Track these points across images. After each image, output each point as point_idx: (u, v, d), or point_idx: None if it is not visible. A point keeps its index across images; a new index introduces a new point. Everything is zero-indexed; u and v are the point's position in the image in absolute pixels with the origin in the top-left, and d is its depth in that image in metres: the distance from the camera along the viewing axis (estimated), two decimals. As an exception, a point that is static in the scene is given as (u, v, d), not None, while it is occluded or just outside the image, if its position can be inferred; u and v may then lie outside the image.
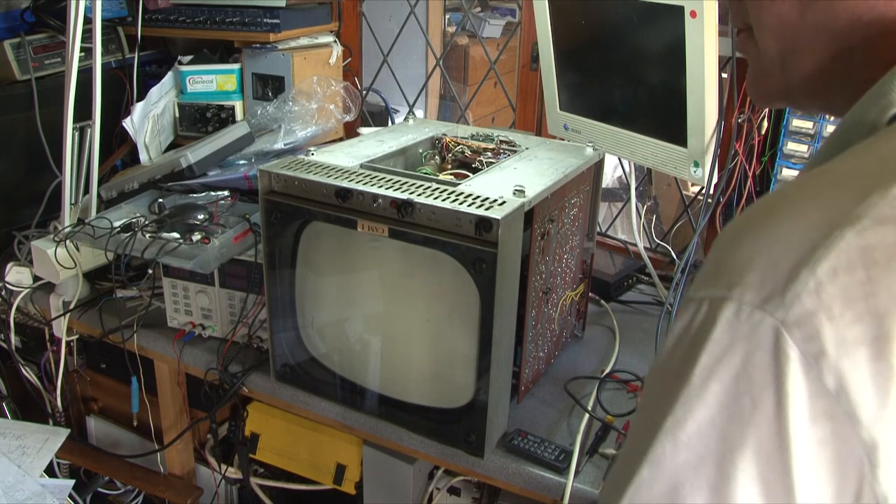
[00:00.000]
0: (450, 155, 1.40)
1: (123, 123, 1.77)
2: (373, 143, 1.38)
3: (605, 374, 1.37)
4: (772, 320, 0.40)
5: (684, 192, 1.87)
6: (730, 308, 0.41)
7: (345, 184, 1.13)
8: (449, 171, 1.34)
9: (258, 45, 1.84)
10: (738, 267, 0.42)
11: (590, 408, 1.27)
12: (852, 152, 0.47)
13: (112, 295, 1.63)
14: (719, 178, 1.45)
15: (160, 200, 1.58)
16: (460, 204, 1.05)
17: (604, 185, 1.60)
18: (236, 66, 1.89)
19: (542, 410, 1.28)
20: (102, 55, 1.62)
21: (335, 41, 1.99)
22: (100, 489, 1.86)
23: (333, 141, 1.81)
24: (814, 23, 0.52)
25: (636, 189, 1.70)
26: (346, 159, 1.26)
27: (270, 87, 1.87)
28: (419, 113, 2.36)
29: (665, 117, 1.39)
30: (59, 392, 1.72)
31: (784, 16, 0.53)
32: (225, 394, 1.42)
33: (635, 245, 1.71)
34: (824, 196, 0.43)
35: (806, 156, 1.52)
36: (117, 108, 1.91)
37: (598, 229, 1.50)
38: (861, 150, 0.47)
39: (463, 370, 1.14)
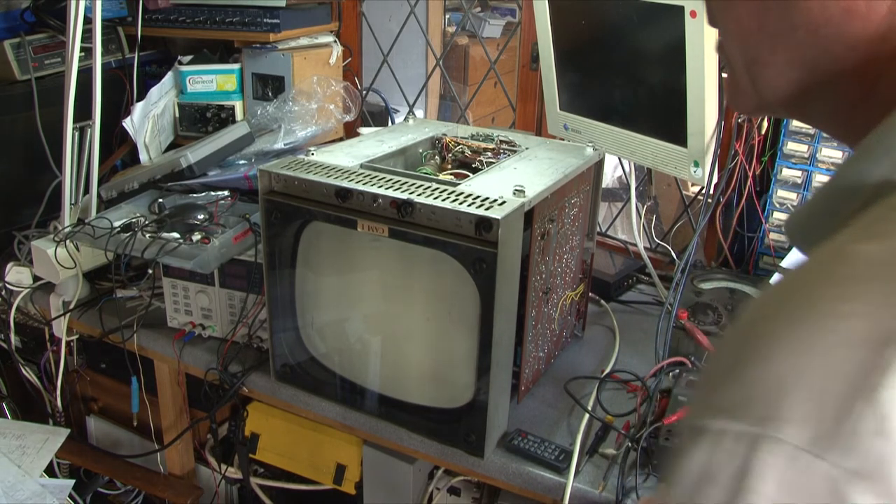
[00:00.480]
0: (450, 155, 1.40)
1: (123, 123, 1.77)
2: (373, 143, 1.38)
3: (605, 374, 1.37)
4: (828, 468, 0.32)
5: (684, 192, 1.87)
6: (773, 450, 0.33)
7: (345, 184, 1.13)
8: (449, 171, 1.34)
9: (258, 45, 1.84)
10: (767, 392, 0.34)
11: (590, 408, 1.27)
12: (869, 225, 0.39)
13: (112, 295, 1.63)
14: (719, 178, 1.45)
15: (160, 200, 1.58)
16: (460, 204, 1.05)
17: (604, 185, 1.60)
18: (236, 66, 1.89)
19: (542, 410, 1.28)
20: (102, 55, 1.62)
21: (335, 41, 1.99)
22: (100, 489, 1.86)
23: (333, 141, 1.81)
24: (772, 32, 0.46)
25: (636, 189, 1.70)
26: (346, 159, 1.26)
27: (270, 87, 1.87)
28: (419, 113, 2.36)
29: (665, 117, 1.39)
30: (59, 392, 1.72)
31: (742, 22, 0.48)
32: (225, 394, 1.42)
33: (635, 245, 1.71)
34: (858, 295, 0.35)
35: (806, 156, 1.52)
36: (117, 108, 1.91)
37: (598, 229, 1.50)
38: (882, 223, 0.38)
39: (463, 370, 1.14)
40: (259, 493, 1.73)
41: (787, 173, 1.55)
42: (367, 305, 1.25)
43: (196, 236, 1.40)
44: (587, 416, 1.24)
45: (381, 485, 1.52)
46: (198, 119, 1.90)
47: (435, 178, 1.21)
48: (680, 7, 1.24)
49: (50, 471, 1.66)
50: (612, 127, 1.51)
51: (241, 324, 1.44)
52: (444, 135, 1.45)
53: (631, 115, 1.48)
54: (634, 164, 1.67)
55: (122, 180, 1.69)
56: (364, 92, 2.15)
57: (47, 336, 1.72)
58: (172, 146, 1.90)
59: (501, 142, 1.42)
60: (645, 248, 1.71)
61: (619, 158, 1.86)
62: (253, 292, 1.42)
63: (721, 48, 0.52)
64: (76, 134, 1.61)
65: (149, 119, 1.82)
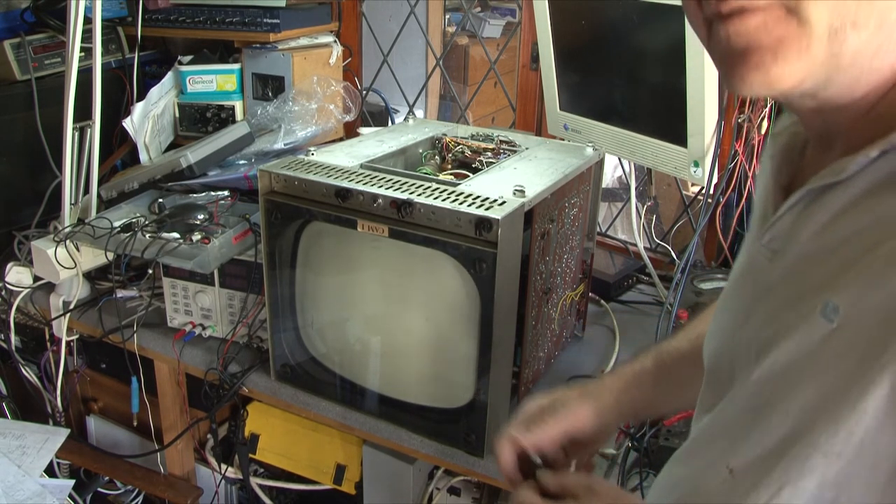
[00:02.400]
0: (450, 155, 1.40)
1: (123, 123, 1.77)
2: (373, 143, 1.38)
3: (605, 373, 1.37)
4: None
5: (684, 192, 1.87)
6: None
7: (345, 184, 1.13)
8: (449, 171, 1.35)
9: (258, 45, 1.84)
10: None
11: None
12: None
13: (112, 295, 1.63)
14: (719, 178, 1.45)
15: (160, 200, 1.58)
16: (460, 204, 1.05)
17: (604, 185, 1.60)
18: (236, 66, 1.89)
19: (542, 410, 1.28)
20: (102, 55, 1.62)
21: (335, 41, 1.99)
22: (100, 489, 1.86)
23: (333, 141, 1.81)
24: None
25: (636, 189, 1.70)
26: (346, 159, 1.26)
27: (270, 87, 1.87)
28: (419, 113, 2.37)
29: (665, 117, 1.39)
30: (59, 392, 1.72)
31: None
32: (225, 394, 1.42)
33: (635, 245, 1.72)
34: None
35: (806, 156, 1.52)
36: (117, 108, 1.91)
37: (598, 229, 1.50)
38: None
39: (463, 370, 1.14)
40: (259, 493, 1.73)
41: (787, 173, 1.54)
42: (367, 305, 1.25)
43: (196, 236, 1.40)
44: (587, 416, 1.24)
45: (381, 485, 1.52)
46: (198, 119, 1.89)
47: (435, 178, 1.21)
48: (680, 7, 1.24)
49: (50, 471, 1.66)
50: (612, 127, 1.51)
51: (241, 324, 1.44)
52: (444, 135, 1.45)
53: (631, 115, 1.48)
54: (634, 164, 1.67)
55: (122, 180, 1.69)
56: (364, 92, 2.15)
57: (47, 336, 1.72)
58: (172, 146, 1.90)
59: (501, 142, 1.42)
60: (645, 248, 1.71)
61: (619, 158, 1.86)
62: (253, 292, 1.42)
63: (777, 16, 0.49)
64: (76, 134, 1.61)
65: (149, 119, 1.82)
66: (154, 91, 1.85)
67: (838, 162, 0.52)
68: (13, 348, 1.69)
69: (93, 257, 1.57)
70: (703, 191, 1.50)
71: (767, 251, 0.59)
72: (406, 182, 1.13)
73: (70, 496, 1.60)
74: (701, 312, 0.99)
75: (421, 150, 1.42)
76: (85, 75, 1.55)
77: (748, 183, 1.55)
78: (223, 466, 1.75)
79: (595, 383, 0.89)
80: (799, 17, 0.48)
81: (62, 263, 1.53)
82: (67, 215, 1.61)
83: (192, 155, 1.62)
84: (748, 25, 0.50)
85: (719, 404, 0.63)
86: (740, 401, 0.59)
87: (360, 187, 1.12)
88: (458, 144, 1.41)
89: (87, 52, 1.57)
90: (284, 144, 1.72)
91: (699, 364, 0.84)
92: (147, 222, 1.49)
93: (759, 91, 0.52)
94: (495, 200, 1.06)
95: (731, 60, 0.52)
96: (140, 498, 1.91)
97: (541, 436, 0.84)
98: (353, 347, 1.28)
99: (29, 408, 1.79)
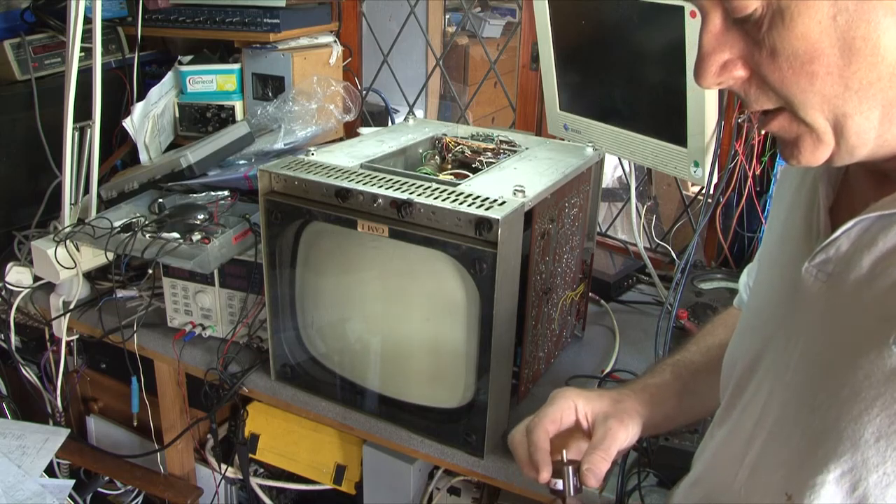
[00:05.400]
0: (450, 155, 1.40)
1: (123, 123, 1.77)
2: (373, 143, 1.38)
3: (605, 373, 1.37)
4: None
5: (684, 192, 1.87)
6: None
7: (345, 184, 1.13)
8: (449, 171, 1.35)
9: (258, 45, 1.84)
10: None
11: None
12: None
13: (112, 295, 1.63)
14: (719, 178, 1.45)
15: (160, 200, 1.58)
16: (460, 204, 1.05)
17: (604, 185, 1.60)
18: (236, 66, 1.89)
19: (542, 410, 1.28)
20: (102, 55, 1.62)
21: (335, 41, 1.99)
22: (100, 489, 1.86)
23: (333, 141, 1.81)
24: (857, 88, 0.52)
25: (636, 189, 1.70)
26: (346, 159, 1.26)
27: (270, 87, 1.87)
28: (419, 113, 2.37)
29: (665, 117, 1.39)
30: (59, 392, 1.72)
31: (826, 91, 0.53)
32: (225, 394, 1.42)
33: (635, 245, 1.72)
34: None
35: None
36: (117, 108, 1.91)
37: (598, 229, 1.50)
38: None
39: (463, 370, 1.14)
40: (259, 493, 1.73)
41: (787, 173, 1.54)
42: (366, 305, 1.25)
43: (196, 236, 1.40)
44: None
45: (381, 485, 1.52)
46: (198, 119, 1.90)
47: (435, 178, 1.21)
48: (680, 7, 1.24)
49: (50, 471, 1.66)
50: (612, 127, 1.51)
51: (241, 324, 1.44)
52: (444, 135, 1.45)
53: (631, 115, 1.48)
54: (634, 164, 1.67)
55: (122, 180, 1.69)
56: (364, 92, 2.15)
57: (47, 336, 1.72)
58: (172, 146, 1.90)
59: (501, 142, 1.42)
60: (645, 248, 1.71)
61: (619, 158, 1.86)
62: (253, 292, 1.42)
63: (789, 120, 0.56)
64: (76, 134, 1.61)
65: (149, 119, 1.82)
66: (154, 91, 1.85)
67: None
68: (13, 348, 1.69)
69: (93, 257, 1.57)
70: (703, 191, 1.50)
71: (821, 273, 0.61)
72: (406, 182, 1.13)
73: (70, 496, 1.60)
74: (710, 324, 0.99)
75: (421, 150, 1.42)
76: (85, 75, 1.55)
77: (748, 183, 1.55)
78: (223, 466, 1.75)
79: (626, 396, 0.88)
80: (803, 120, 0.55)
81: (62, 263, 1.53)
82: (67, 215, 1.61)
83: (192, 155, 1.62)
84: (772, 126, 0.58)
85: (749, 422, 0.64)
86: (794, 425, 0.59)
87: (360, 187, 1.12)
88: (458, 144, 1.41)
89: (87, 52, 1.57)
90: (284, 144, 1.72)
91: (713, 377, 0.83)
92: (147, 222, 1.49)
93: (804, 166, 0.60)
94: (495, 200, 1.06)
95: (778, 143, 0.61)
96: (140, 498, 1.91)
97: (611, 446, 0.83)
98: (353, 347, 1.28)
99: (29, 408, 1.79)
